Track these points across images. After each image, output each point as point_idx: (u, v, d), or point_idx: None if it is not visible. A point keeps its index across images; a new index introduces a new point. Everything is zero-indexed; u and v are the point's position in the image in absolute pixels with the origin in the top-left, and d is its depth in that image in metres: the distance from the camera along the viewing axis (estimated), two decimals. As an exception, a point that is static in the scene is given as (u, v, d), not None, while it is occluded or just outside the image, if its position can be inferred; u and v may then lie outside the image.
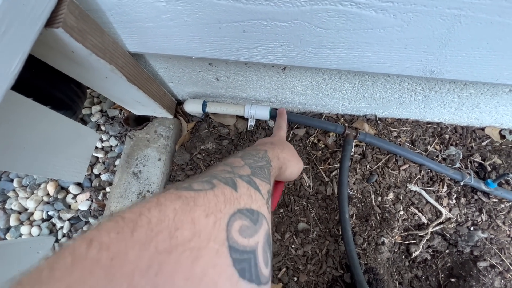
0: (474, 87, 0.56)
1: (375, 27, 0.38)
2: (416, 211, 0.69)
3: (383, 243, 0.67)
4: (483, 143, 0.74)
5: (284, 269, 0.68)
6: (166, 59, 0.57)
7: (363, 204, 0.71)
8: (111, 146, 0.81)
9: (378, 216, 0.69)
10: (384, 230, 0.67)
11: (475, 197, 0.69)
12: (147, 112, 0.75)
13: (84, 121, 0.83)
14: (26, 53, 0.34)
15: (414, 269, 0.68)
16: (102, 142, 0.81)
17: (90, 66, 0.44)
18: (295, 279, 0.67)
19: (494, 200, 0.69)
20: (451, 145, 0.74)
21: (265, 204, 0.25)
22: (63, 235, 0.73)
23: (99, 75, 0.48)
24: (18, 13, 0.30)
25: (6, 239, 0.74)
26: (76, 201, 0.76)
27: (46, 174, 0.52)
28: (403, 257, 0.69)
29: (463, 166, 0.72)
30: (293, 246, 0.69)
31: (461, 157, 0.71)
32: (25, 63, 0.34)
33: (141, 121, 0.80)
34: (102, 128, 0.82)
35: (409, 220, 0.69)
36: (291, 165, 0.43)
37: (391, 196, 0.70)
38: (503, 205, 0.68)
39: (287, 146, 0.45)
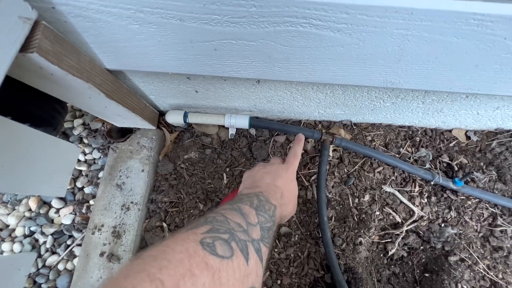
0: (434, 94, 0.60)
1: (334, 45, 0.41)
2: (391, 211, 0.73)
3: (360, 243, 0.70)
4: (451, 144, 0.79)
5: (268, 273, 0.70)
6: (145, 74, 0.59)
7: (341, 206, 0.74)
8: (94, 159, 0.82)
9: (355, 218, 0.72)
10: (362, 231, 0.71)
11: (445, 195, 0.73)
12: (129, 124, 0.76)
13: (66, 135, 0.84)
14: (1, 77, 0.35)
15: (392, 266, 0.72)
16: (85, 155, 0.82)
17: (67, 85, 0.46)
18: (279, 282, 0.69)
19: (462, 197, 0.73)
20: (422, 147, 0.79)
21: (262, 276, 0.29)
22: (46, 250, 0.73)
23: (77, 92, 0.50)
24: (-8, 41, 0.32)
25: (-14, 257, 0.73)
26: (59, 215, 0.76)
27: (27, 192, 0.53)
28: (381, 255, 0.73)
29: (432, 166, 0.76)
30: (276, 250, 0.72)
31: (431, 158, 0.76)
32: (2, 84, 0.36)
33: (124, 133, 0.81)
34: (85, 141, 0.83)
35: (385, 220, 0.73)
36: (286, 218, 0.46)
37: (367, 197, 0.74)
38: (470, 202, 0.73)
39: (294, 195, 0.47)
